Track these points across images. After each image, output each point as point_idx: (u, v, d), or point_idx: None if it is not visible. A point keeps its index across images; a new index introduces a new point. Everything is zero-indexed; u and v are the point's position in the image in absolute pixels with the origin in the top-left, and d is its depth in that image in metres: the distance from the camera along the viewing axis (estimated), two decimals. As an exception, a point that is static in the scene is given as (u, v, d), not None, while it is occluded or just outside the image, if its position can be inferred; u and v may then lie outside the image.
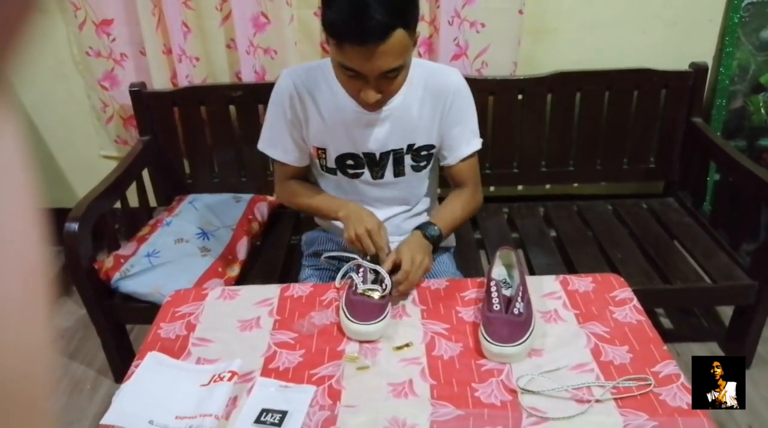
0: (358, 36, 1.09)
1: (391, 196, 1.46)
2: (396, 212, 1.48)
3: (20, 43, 0.22)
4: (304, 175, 1.51)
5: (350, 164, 1.40)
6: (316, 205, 1.44)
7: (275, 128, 1.40)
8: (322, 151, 1.40)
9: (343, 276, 1.30)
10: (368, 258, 1.28)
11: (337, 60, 1.18)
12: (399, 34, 1.10)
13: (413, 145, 1.38)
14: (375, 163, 1.39)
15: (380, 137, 1.36)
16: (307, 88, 1.34)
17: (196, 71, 2.09)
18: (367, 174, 1.41)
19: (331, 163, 1.41)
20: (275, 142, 1.43)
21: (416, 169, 1.42)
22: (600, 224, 2.06)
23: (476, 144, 1.41)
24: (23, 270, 0.24)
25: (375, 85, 1.18)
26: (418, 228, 1.34)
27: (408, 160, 1.40)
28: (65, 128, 2.30)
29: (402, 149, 1.38)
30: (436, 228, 1.33)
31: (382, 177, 1.41)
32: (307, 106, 1.35)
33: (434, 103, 1.34)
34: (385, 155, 1.38)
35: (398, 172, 1.41)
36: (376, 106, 1.26)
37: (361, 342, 1.14)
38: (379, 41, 1.09)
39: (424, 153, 1.40)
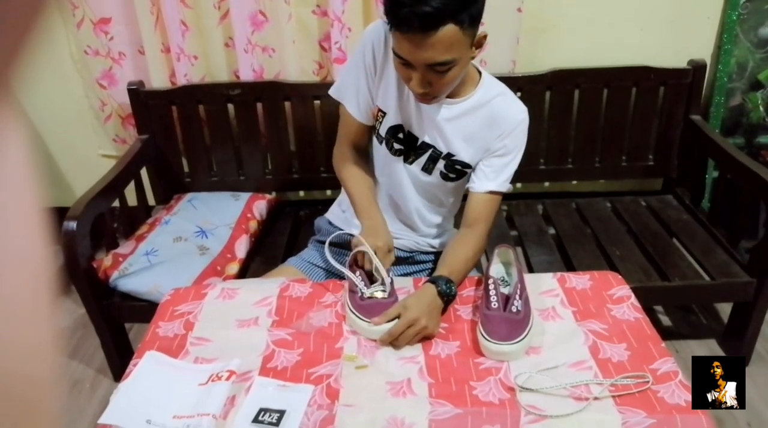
0: (408, 24, 1.08)
1: (417, 187, 1.44)
2: (416, 207, 1.47)
3: (26, 53, 0.22)
4: (365, 144, 1.47)
5: (400, 138, 1.38)
6: (355, 200, 1.41)
7: (351, 73, 1.37)
8: (381, 114, 1.38)
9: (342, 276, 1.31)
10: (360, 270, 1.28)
11: (392, 45, 1.18)
12: (449, 28, 1.08)
13: (453, 155, 1.36)
14: (413, 148, 1.38)
15: (430, 130, 1.34)
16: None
17: (195, 70, 2.09)
18: (403, 152, 1.40)
19: (383, 130, 1.38)
20: (348, 88, 1.38)
21: (444, 177, 1.40)
22: (598, 221, 2.06)
23: (506, 186, 1.38)
24: (28, 273, 0.25)
25: (422, 75, 1.16)
26: (434, 281, 1.22)
27: (440, 165, 1.38)
28: (63, 127, 2.29)
29: (441, 153, 1.36)
30: (453, 287, 1.23)
31: (411, 163, 1.40)
32: (388, 60, 1.32)
33: (490, 124, 1.32)
34: (425, 146, 1.37)
35: (427, 168, 1.39)
36: (426, 99, 1.23)
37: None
38: (427, 32, 1.08)
39: (458, 167, 1.37)
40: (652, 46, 2.11)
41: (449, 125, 1.33)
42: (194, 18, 2.03)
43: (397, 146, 1.39)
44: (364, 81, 1.36)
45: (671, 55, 2.08)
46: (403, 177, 1.42)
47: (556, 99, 2.08)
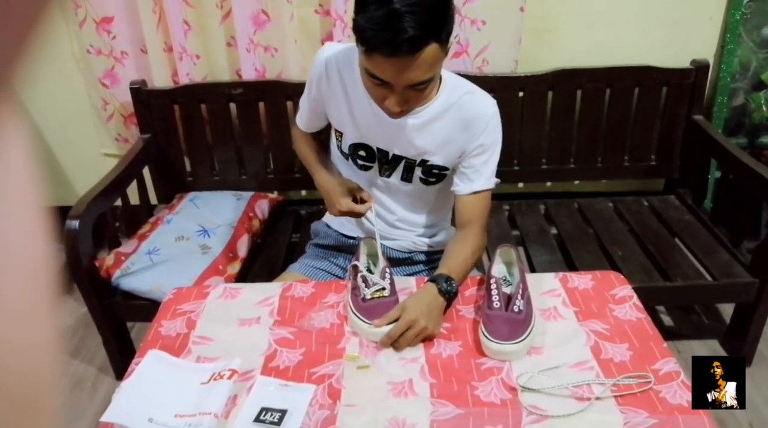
0: (389, 48, 1.05)
1: (400, 197, 1.44)
2: (403, 216, 1.47)
3: (28, 52, 0.22)
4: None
5: (362, 155, 1.38)
6: (305, 157, 1.53)
7: (305, 93, 1.45)
8: (339, 134, 1.39)
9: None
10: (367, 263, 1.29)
11: (364, 66, 1.13)
12: (431, 48, 1.07)
13: (427, 161, 1.35)
14: (386, 161, 1.37)
15: (399, 141, 1.33)
16: (340, 68, 1.31)
17: (197, 69, 2.09)
18: (375, 168, 1.40)
19: (345, 148, 1.39)
20: (302, 103, 1.49)
21: (425, 182, 1.39)
22: (601, 221, 2.06)
23: (492, 181, 1.35)
24: (29, 273, 0.24)
25: (401, 95, 1.15)
26: (434, 280, 1.20)
27: (418, 172, 1.37)
28: (66, 126, 2.30)
29: (414, 161, 1.35)
30: (454, 284, 1.20)
31: (389, 176, 1.40)
32: (333, 86, 1.33)
33: (463, 125, 1.30)
34: (397, 158, 1.36)
35: (406, 178, 1.39)
36: (400, 114, 1.22)
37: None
38: (411, 55, 1.06)
39: (435, 171, 1.37)
40: (655, 46, 2.10)
41: (417, 134, 1.31)
42: (196, 17, 2.03)
43: (361, 162, 1.40)
44: (308, 104, 1.45)
45: (674, 55, 2.07)
46: (383, 189, 1.43)
47: (558, 99, 2.08)
